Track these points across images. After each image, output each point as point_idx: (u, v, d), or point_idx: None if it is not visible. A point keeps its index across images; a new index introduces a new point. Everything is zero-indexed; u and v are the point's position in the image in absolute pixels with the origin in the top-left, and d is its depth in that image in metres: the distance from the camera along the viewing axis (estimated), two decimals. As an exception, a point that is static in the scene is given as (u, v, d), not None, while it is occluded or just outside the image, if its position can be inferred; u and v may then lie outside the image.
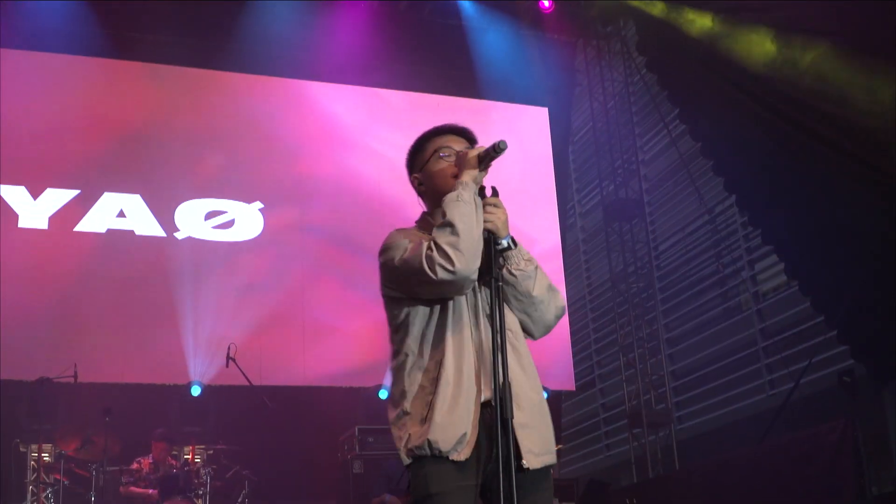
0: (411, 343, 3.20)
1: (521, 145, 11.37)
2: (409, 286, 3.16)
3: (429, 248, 3.04)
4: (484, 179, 3.27)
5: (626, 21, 11.42)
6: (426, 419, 3.07)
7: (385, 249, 3.26)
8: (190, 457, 9.05)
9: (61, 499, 8.29)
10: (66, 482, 8.33)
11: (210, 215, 9.98)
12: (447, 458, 3.02)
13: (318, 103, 10.74)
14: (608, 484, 9.27)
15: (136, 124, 10.07)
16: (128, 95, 10.18)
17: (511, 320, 3.24)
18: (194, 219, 9.93)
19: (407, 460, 3.08)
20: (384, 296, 3.29)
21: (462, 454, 3.01)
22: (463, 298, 3.18)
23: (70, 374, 8.39)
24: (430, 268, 3.03)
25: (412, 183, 3.50)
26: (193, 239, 9.86)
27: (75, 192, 9.67)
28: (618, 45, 11.84)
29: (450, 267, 3.01)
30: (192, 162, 10.07)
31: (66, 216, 9.61)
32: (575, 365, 11.32)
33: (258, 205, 10.07)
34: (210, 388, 9.36)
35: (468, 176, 3.20)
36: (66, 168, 9.77)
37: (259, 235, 10.03)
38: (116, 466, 8.41)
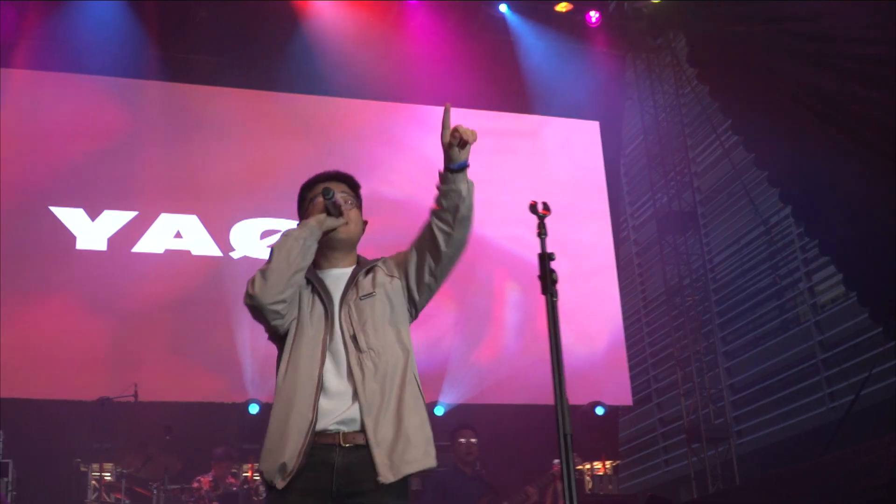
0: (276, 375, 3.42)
1: (573, 159, 11.45)
2: None
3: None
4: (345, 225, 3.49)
5: (675, 33, 11.47)
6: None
7: None
8: (249, 474, 9.19)
9: (122, 518, 8.49)
10: (126, 501, 8.50)
11: (265, 234, 10.14)
12: (274, 486, 3.24)
13: (371, 121, 10.90)
14: (669, 500, 9.27)
15: (192, 146, 10.29)
16: (184, 118, 10.42)
17: (375, 340, 3.35)
18: (250, 238, 10.12)
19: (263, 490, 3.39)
20: None
21: (282, 482, 3.20)
22: (309, 323, 3.35)
23: (130, 394, 8.56)
24: (245, 292, 3.29)
25: None
26: (249, 258, 10.03)
27: (133, 214, 9.91)
28: (668, 58, 11.88)
29: (250, 290, 3.26)
30: (248, 182, 10.25)
31: (124, 237, 9.84)
32: (631, 379, 11.33)
33: (312, 223, 10.22)
34: (268, 406, 9.46)
35: (311, 218, 3.45)
36: (124, 190, 10.00)
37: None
38: (177, 485, 8.53)
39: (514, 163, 11.05)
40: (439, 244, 3.49)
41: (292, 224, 10.88)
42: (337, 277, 3.51)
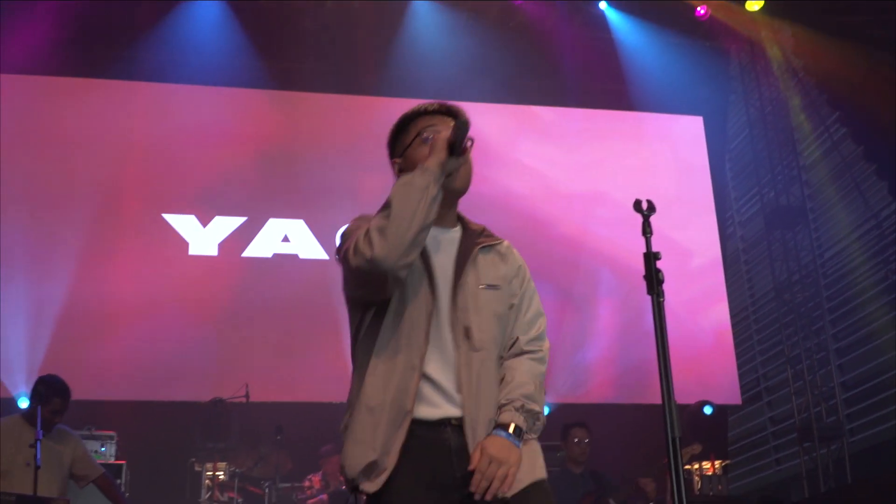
0: (356, 353, 2.84)
1: (677, 155, 11.25)
2: (347, 280, 2.81)
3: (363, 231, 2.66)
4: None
5: (781, 22, 11.16)
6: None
7: (342, 239, 2.87)
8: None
9: (235, 516, 8.60)
10: (239, 500, 8.60)
11: (370, 236, 10.20)
12: (359, 488, 2.67)
13: (473, 122, 10.85)
14: (780, 501, 9.04)
15: (297, 152, 10.43)
16: (289, 124, 10.55)
17: (489, 341, 2.82)
18: (355, 241, 10.17)
19: (351, 492, 2.76)
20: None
21: (372, 484, 2.64)
22: (411, 304, 2.76)
23: (242, 395, 8.70)
24: (354, 252, 2.64)
25: (392, 167, 3.04)
26: (355, 260, 10.09)
27: (242, 220, 10.06)
28: (774, 49, 11.57)
29: (367, 253, 2.59)
30: (352, 186, 10.31)
31: (234, 242, 10.00)
32: (740, 378, 11.09)
33: (416, 225, 10.22)
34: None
35: (433, 160, 2.74)
36: (234, 196, 10.16)
37: (418, 256, 10.16)
38: (288, 483, 8.65)
39: (617, 161, 10.91)
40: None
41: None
42: (442, 242, 2.90)
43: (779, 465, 11.54)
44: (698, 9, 10.82)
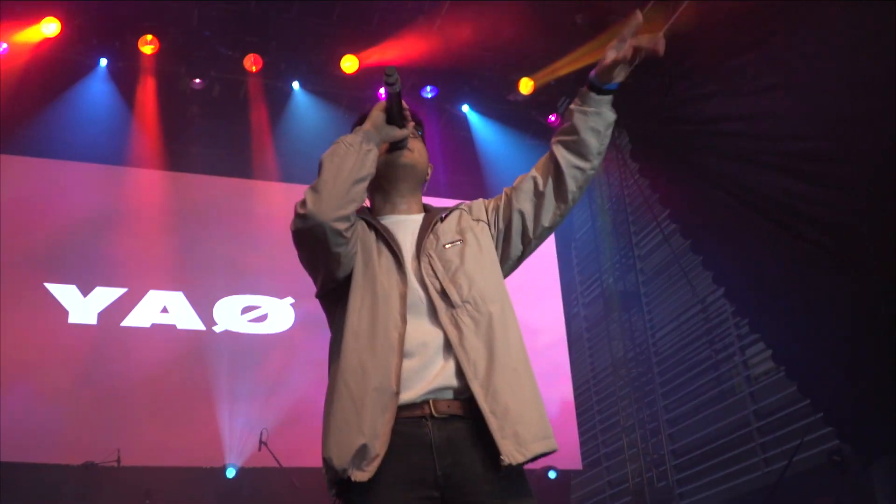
0: (331, 344, 2.64)
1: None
2: (300, 257, 2.64)
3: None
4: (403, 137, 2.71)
5: (620, 131, 11.78)
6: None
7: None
8: (226, 534, 9.16)
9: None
10: (109, 563, 8.45)
11: (246, 310, 10.29)
12: (349, 479, 2.34)
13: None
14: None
15: (180, 228, 10.47)
16: (172, 203, 10.60)
17: (470, 291, 2.53)
18: (231, 313, 10.24)
19: (331, 490, 2.48)
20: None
21: (364, 473, 2.32)
22: (379, 274, 2.54)
23: (114, 459, 8.59)
24: (293, 218, 2.48)
25: None
26: (230, 332, 10.15)
27: (123, 290, 10.01)
28: (613, 153, 12.20)
29: (300, 210, 2.43)
30: (231, 260, 10.40)
31: (114, 312, 9.92)
32: (581, 445, 11.47)
33: (289, 300, 10.37)
34: (244, 470, 9.53)
35: (367, 123, 2.62)
36: (115, 268, 10.12)
37: (290, 328, 10.32)
38: (157, 546, 8.51)
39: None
40: (566, 182, 2.68)
41: (271, 301, 10.80)
42: (404, 224, 2.72)
43: (615, 528, 11.84)
44: (549, 117, 11.43)
